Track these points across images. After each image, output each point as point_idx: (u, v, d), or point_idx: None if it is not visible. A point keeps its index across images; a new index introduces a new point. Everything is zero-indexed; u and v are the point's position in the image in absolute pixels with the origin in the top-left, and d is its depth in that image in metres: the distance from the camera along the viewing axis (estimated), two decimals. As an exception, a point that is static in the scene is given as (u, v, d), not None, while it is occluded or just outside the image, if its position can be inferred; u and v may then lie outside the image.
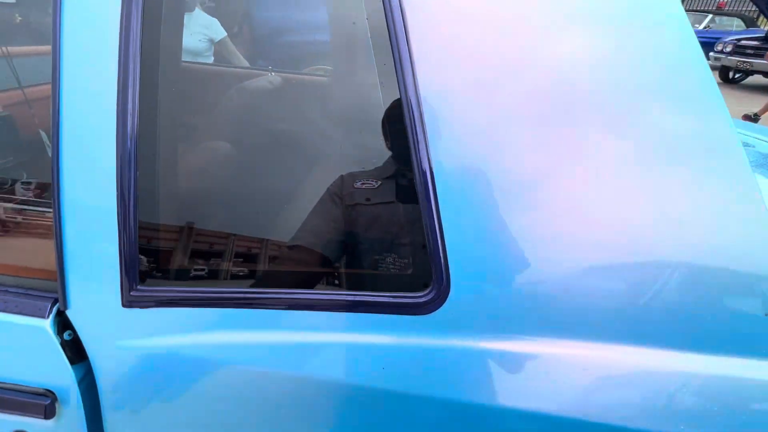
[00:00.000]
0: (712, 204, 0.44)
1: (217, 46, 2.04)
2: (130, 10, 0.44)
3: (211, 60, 2.24)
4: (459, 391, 0.48)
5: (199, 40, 1.97)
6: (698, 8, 11.91)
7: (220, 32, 1.99)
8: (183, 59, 2.14)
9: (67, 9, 0.45)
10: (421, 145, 0.43)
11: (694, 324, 0.45)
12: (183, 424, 0.54)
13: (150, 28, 0.47)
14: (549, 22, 0.43)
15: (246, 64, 2.18)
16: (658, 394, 0.45)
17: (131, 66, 0.45)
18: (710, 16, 9.20)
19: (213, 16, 2.17)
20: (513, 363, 0.47)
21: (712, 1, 12.12)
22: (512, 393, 0.47)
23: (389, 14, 0.42)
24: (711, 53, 7.73)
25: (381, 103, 0.55)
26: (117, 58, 0.45)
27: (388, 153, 0.58)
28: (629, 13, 0.44)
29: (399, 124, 0.45)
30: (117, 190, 0.47)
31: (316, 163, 0.63)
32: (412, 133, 0.43)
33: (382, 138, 0.58)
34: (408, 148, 0.44)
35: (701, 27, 8.94)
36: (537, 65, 0.43)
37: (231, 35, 2.15)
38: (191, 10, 1.96)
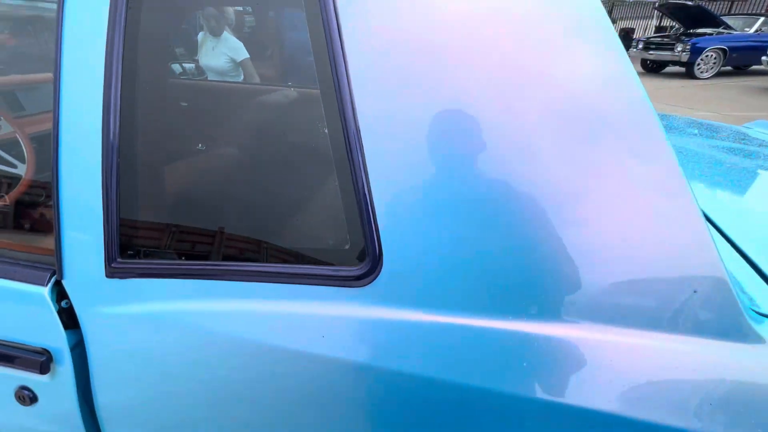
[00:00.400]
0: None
1: (241, 66, 2.22)
2: (113, 35, 0.53)
3: (239, 79, 2.44)
4: (393, 359, 0.51)
5: (225, 62, 2.15)
6: (749, 11, 11.23)
7: (242, 54, 2.16)
8: (211, 78, 2.34)
9: (66, 42, 0.54)
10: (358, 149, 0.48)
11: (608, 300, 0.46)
12: (157, 381, 0.60)
13: (131, 51, 0.56)
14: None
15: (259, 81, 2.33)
16: (554, 357, 0.46)
17: (113, 84, 0.53)
18: (762, 18, 8.65)
19: (241, 39, 2.36)
20: (440, 333, 0.50)
21: (764, 4, 11.38)
22: (438, 362, 0.49)
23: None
24: (763, 57, 7.26)
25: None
26: (102, 82, 0.53)
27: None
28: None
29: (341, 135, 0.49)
30: (102, 183, 0.55)
31: (284, 162, 0.69)
32: (355, 143, 0.48)
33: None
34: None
35: (752, 30, 8.42)
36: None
37: (264, 57, 2.32)
38: (218, 34, 2.16)
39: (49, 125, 0.59)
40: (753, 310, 0.47)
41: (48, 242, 0.62)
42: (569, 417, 0.46)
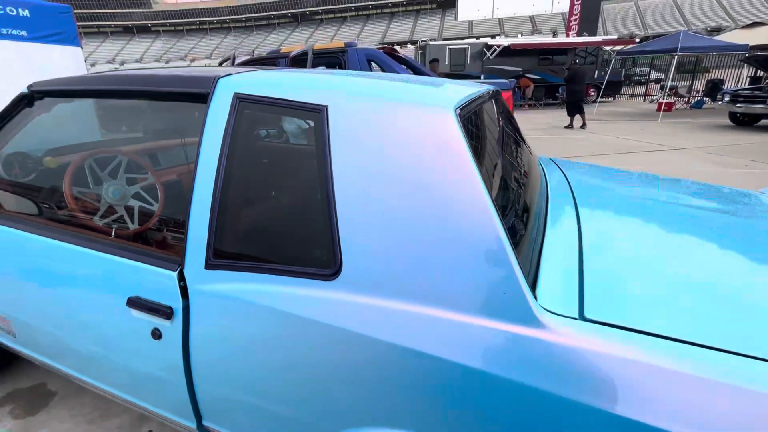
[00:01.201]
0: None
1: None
2: (225, 136, 1.02)
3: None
4: (351, 324, 0.85)
5: (295, 126, 2.79)
6: None
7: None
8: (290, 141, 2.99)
9: (205, 137, 1.06)
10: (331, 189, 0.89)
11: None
12: (228, 340, 1.03)
13: (233, 145, 1.05)
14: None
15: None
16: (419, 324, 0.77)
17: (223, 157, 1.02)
18: None
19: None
20: (384, 314, 0.81)
21: None
22: (370, 326, 0.83)
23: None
24: None
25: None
26: (217, 159, 1.03)
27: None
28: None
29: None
30: (210, 213, 1.03)
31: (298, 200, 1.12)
32: (330, 187, 0.89)
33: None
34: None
35: None
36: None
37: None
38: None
39: (173, 176, 1.09)
40: (542, 307, 0.74)
41: (179, 248, 1.11)
42: (417, 359, 0.79)
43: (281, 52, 4.19)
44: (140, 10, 63.65)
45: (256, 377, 0.90)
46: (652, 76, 18.75)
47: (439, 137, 0.76)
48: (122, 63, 55.62)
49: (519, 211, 0.91)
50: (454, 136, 0.76)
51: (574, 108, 9.39)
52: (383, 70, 3.94)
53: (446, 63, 15.77)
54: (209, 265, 0.95)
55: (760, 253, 0.99)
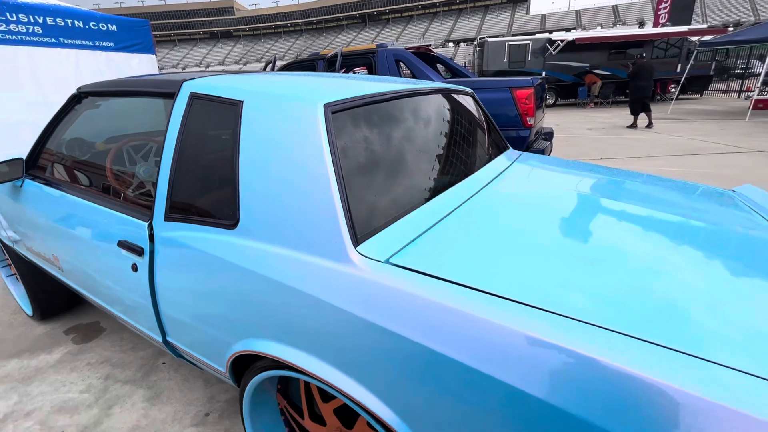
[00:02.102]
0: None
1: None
2: (182, 125, 1.32)
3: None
4: (247, 262, 1.01)
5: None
6: None
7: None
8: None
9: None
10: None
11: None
12: (174, 271, 1.34)
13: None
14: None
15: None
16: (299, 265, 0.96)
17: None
18: None
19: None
20: (265, 254, 0.97)
21: None
22: (264, 266, 0.98)
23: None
24: None
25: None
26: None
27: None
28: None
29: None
30: (168, 177, 1.33)
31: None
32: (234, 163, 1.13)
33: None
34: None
35: None
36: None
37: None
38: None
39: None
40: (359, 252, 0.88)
41: (152, 205, 1.42)
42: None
43: (319, 54, 4.55)
44: (225, 18, 69.78)
45: (191, 301, 1.16)
46: (758, 69, 16.28)
47: (305, 125, 0.97)
48: (207, 66, 61.63)
49: (396, 190, 1.09)
50: (315, 125, 0.97)
51: (638, 105, 8.69)
52: (409, 69, 4.11)
53: (505, 60, 15.33)
54: (167, 218, 1.22)
55: (571, 218, 1.06)
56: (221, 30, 70.19)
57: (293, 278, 0.91)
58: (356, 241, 0.89)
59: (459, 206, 1.17)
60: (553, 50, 14.73)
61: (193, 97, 1.19)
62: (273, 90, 1.09)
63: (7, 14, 3.37)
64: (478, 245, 0.94)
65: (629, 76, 8.89)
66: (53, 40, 3.74)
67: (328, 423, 1.13)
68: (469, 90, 1.96)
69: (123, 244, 1.28)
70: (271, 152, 1.01)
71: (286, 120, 1.01)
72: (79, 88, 1.62)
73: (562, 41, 14.39)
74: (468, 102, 1.86)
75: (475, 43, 16.88)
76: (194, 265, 1.12)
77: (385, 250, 0.90)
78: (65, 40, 3.83)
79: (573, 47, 14.44)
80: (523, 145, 3.67)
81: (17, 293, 2.45)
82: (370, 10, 65.67)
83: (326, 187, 0.91)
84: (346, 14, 66.54)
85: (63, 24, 3.78)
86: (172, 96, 1.27)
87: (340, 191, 0.90)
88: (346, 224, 0.88)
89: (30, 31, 3.57)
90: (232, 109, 1.11)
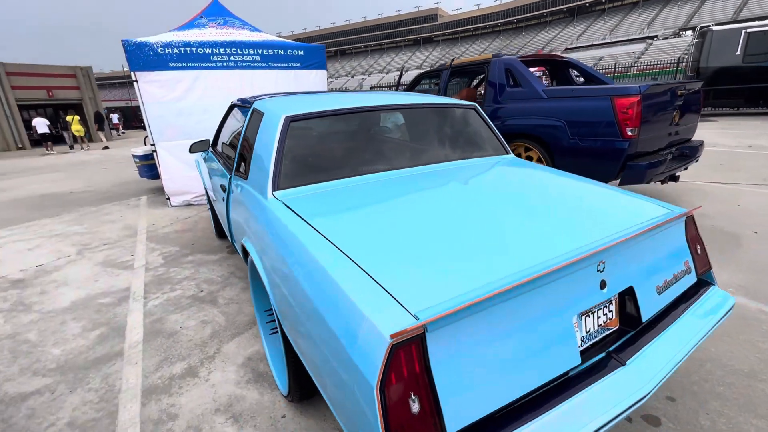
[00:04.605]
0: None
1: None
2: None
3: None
4: (247, 199, 1.95)
5: (392, 123, 3.78)
6: None
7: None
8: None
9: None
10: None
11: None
12: (235, 202, 2.32)
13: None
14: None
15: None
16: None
17: None
18: None
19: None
20: (252, 194, 1.90)
21: None
22: (250, 199, 1.90)
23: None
24: None
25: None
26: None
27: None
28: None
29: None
30: (274, 157, 2.31)
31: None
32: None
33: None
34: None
35: None
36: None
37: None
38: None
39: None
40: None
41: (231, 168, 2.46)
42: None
43: (446, 65, 5.13)
44: (428, 24, 75.51)
45: (234, 215, 2.15)
46: None
47: (274, 126, 1.77)
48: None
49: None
50: (277, 127, 1.75)
51: None
52: (515, 78, 4.25)
53: (737, 53, 11.94)
54: (234, 174, 2.25)
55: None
56: (423, 36, 76.38)
57: (251, 203, 1.75)
58: (276, 188, 1.64)
59: (362, 185, 1.75)
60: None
61: (253, 111, 2.16)
62: (271, 107, 1.94)
63: (238, 49, 5.33)
64: (351, 212, 1.53)
65: None
66: (265, 64, 5.62)
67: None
68: (471, 104, 2.35)
69: (222, 186, 2.40)
70: (263, 139, 1.86)
71: (271, 123, 1.83)
72: (232, 102, 2.86)
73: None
74: (453, 115, 2.26)
75: (694, 33, 13.67)
76: (237, 197, 2.10)
77: (287, 198, 1.62)
78: (272, 64, 5.68)
79: None
80: (620, 158, 3.43)
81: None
82: (582, 2, 59.13)
83: (269, 158, 1.70)
84: (550, 9, 61.99)
85: (272, 53, 5.63)
86: (248, 109, 2.28)
87: (275, 162, 1.68)
88: (272, 181, 1.65)
89: (253, 60, 5.50)
90: (260, 115, 2.01)
